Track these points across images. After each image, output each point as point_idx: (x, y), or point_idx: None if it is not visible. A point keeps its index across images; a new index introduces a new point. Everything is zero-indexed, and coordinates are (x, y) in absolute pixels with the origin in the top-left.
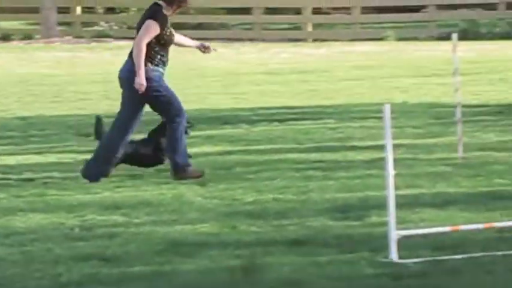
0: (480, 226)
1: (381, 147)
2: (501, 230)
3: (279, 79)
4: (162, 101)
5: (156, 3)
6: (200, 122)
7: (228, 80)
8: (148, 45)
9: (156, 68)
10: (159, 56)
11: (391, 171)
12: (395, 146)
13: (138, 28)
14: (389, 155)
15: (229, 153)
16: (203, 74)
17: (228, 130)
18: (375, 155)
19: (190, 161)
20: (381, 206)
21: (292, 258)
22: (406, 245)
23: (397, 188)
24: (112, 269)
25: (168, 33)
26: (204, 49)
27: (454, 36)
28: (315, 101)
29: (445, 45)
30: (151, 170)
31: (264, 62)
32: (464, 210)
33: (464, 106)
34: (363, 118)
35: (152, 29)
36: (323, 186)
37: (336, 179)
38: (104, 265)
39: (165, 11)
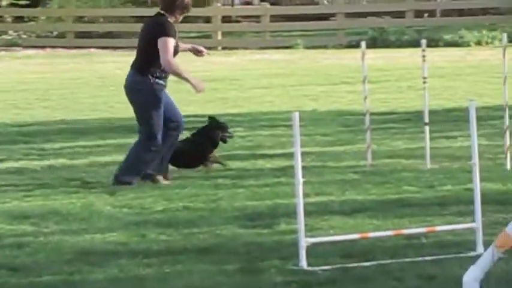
0: (389, 233)
1: (290, 155)
2: (409, 236)
3: (188, 87)
4: (150, 114)
5: (159, 13)
6: (109, 130)
7: None
8: (152, 56)
9: (158, 81)
10: (162, 69)
11: (300, 179)
12: (305, 154)
13: (142, 37)
14: (298, 163)
15: None
16: (108, 83)
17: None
18: (284, 162)
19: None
20: (290, 213)
21: (201, 266)
22: (315, 252)
23: (306, 195)
24: (21, 278)
25: (175, 44)
26: (198, 52)
27: (363, 44)
28: (225, 109)
29: (354, 53)
30: (60, 179)
31: None
32: (373, 218)
33: (373, 114)
34: (273, 126)
35: (170, 45)
36: (232, 194)
37: (246, 187)
38: (12, 275)
39: (170, 21)
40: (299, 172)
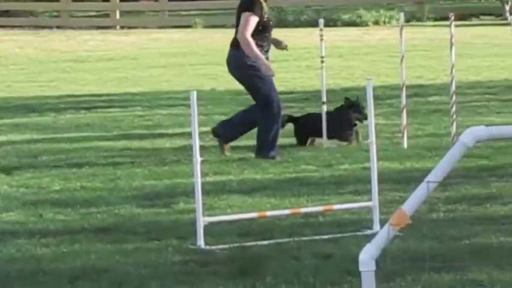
0: (286, 212)
1: (189, 134)
2: (307, 215)
3: (87, 67)
4: (253, 83)
5: None
6: (6, 110)
7: (34, 67)
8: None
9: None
10: (256, 43)
11: (198, 158)
12: (203, 133)
13: (237, 17)
14: (196, 142)
15: (36, 141)
16: (7, 62)
17: (35, 118)
18: (183, 142)
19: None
20: (188, 193)
21: (99, 245)
22: (213, 231)
23: (204, 175)
24: None
25: (265, 19)
26: (279, 45)
27: None
28: (123, 88)
29: None
30: None
31: (72, 50)
32: (271, 197)
33: None
34: (171, 105)
35: (251, 21)
36: (131, 173)
37: (144, 166)
38: None
39: None
40: (197, 151)
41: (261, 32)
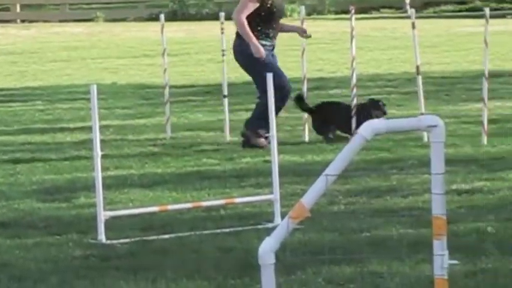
0: (188, 205)
1: (90, 129)
2: (208, 209)
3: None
4: (257, 71)
5: None
6: None
7: None
8: (249, 18)
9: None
10: (259, 28)
11: (98, 152)
12: (104, 127)
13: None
14: (97, 136)
15: None
16: None
17: None
18: (84, 136)
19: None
20: (89, 187)
21: None
22: (114, 225)
23: (105, 169)
24: None
25: (269, 5)
26: (303, 33)
27: (162, 17)
28: (24, 82)
29: (154, 26)
30: None
31: None
32: (173, 190)
33: (173, 87)
34: (72, 99)
35: (248, 5)
36: (31, 168)
37: (45, 160)
38: None
39: None
40: (97, 145)
41: (265, 19)
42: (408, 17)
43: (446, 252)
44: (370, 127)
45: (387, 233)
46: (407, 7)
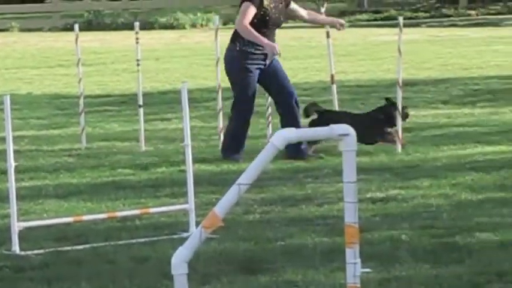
0: (102, 216)
1: (3, 139)
2: (123, 219)
3: None
4: (234, 82)
5: None
6: None
7: None
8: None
9: (245, 48)
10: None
11: (12, 163)
12: (19, 138)
13: (239, 9)
14: (10, 147)
15: None
16: None
17: None
18: None
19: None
20: (3, 198)
21: None
22: (29, 236)
23: (19, 179)
24: None
25: (263, 12)
26: (340, 26)
27: (76, 26)
28: None
29: (69, 36)
30: None
31: None
32: (88, 201)
33: (88, 96)
34: None
35: (248, 11)
36: None
37: None
38: None
39: None
40: (11, 156)
41: (258, 26)
42: (323, 26)
43: (358, 261)
44: (281, 136)
45: (302, 241)
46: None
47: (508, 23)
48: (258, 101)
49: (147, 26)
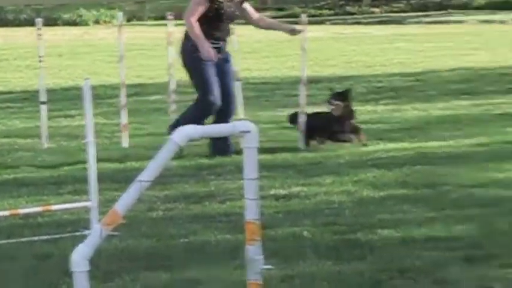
0: (4, 213)
1: None
2: (26, 216)
3: None
4: (193, 75)
5: None
6: None
7: None
8: (199, 18)
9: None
10: (204, 28)
11: None
12: None
13: None
14: None
15: None
16: None
17: None
18: None
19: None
20: None
21: None
22: None
23: None
24: None
25: (217, 5)
26: (297, 32)
27: None
28: None
29: None
30: None
31: None
32: None
33: None
34: None
35: (194, 5)
36: None
37: None
38: None
39: None
40: None
41: (211, 20)
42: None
43: (260, 257)
44: (183, 133)
45: (205, 238)
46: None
47: (411, 20)
48: (160, 97)
49: (50, 22)
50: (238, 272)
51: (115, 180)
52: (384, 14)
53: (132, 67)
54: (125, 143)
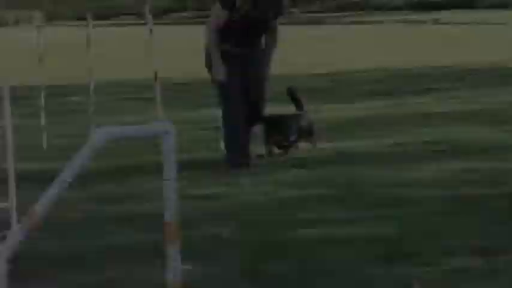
0: None
1: None
2: None
3: None
4: (215, 83)
5: None
6: None
7: None
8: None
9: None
10: (226, 32)
11: None
12: None
13: None
14: None
15: None
16: None
17: None
18: None
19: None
20: None
21: None
22: None
23: None
24: None
25: (238, 10)
26: None
27: None
28: None
29: None
30: None
31: None
32: None
33: None
34: None
35: (215, 14)
36: None
37: None
38: None
39: None
40: None
41: (235, 23)
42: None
43: (179, 258)
44: (102, 134)
45: (124, 239)
46: (147, 14)
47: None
48: (80, 98)
49: None
50: (157, 272)
51: (34, 181)
52: (302, 15)
53: (52, 68)
54: (45, 143)
